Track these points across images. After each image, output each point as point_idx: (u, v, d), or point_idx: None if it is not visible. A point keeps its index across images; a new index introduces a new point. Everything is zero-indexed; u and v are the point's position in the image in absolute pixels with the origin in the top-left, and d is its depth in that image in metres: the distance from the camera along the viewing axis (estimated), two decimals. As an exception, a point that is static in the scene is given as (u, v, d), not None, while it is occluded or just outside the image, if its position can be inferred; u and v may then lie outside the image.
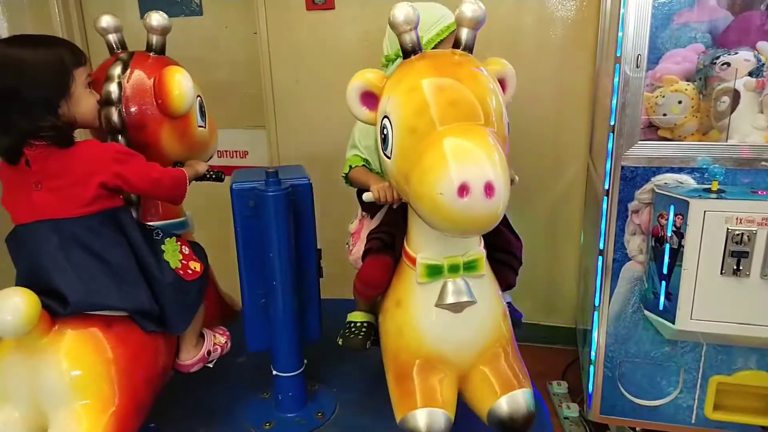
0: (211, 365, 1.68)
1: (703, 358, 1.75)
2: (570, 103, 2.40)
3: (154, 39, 1.59)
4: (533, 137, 2.41)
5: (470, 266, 1.34)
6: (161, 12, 1.57)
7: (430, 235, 1.30)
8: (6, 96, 1.24)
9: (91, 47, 2.77)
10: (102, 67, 1.55)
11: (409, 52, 1.22)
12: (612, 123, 1.69)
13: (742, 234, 1.53)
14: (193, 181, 1.62)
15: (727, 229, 1.54)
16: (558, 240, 2.58)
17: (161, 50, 1.61)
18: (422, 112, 1.12)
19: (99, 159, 1.32)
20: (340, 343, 1.69)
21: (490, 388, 1.39)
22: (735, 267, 1.56)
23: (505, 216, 1.56)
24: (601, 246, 1.80)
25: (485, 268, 1.38)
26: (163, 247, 1.47)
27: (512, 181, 1.30)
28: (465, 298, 1.31)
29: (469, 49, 1.23)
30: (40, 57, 1.27)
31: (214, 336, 1.71)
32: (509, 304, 1.63)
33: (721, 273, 1.58)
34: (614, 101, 1.67)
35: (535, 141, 2.42)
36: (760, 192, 1.58)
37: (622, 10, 1.63)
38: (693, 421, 1.81)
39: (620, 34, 1.62)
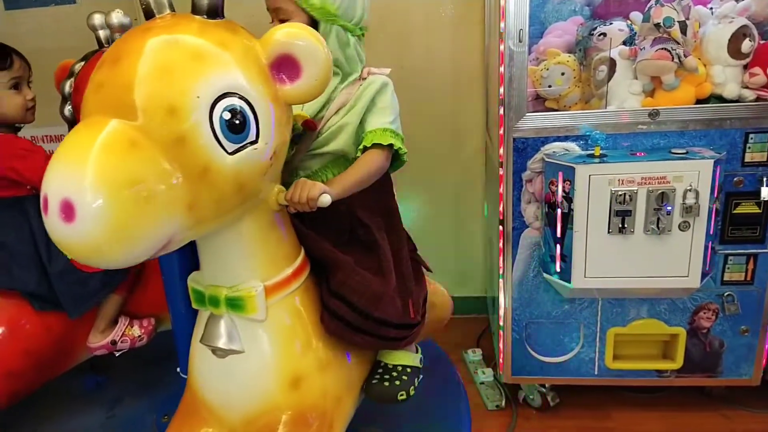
0: (117, 354, 1.73)
1: (599, 312, 1.86)
2: (464, 80, 2.45)
3: (116, 37, 1.65)
4: (431, 115, 2.44)
5: (234, 304, 1.03)
6: (119, 10, 1.63)
7: (203, 252, 1.05)
8: None
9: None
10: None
11: (147, 15, 0.94)
12: (501, 97, 1.73)
13: (625, 194, 1.63)
14: None
15: (611, 190, 1.64)
16: (463, 214, 2.65)
17: None
18: (85, 97, 0.90)
19: (1, 154, 1.51)
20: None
21: None
22: (620, 225, 1.66)
23: (377, 244, 1.21)
24: (501, 216, 1.86)
25: (277, 312, 1.07)
26: None
27: (314, 198, 1.00)
28: (224, 343, 1.03)
29: (213, 12, 0.92)
30: None
31: (130, 327, 1.72)
32: (411, 370, 1.34)
33: (609, 232, 1.67)
34: (501, 76, 1.71)
35: (433, 118, 2.46)
36: (638, 153, 1.68)
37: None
38: (596, 373, 1.93)
39: (502, 10, 1.66)
